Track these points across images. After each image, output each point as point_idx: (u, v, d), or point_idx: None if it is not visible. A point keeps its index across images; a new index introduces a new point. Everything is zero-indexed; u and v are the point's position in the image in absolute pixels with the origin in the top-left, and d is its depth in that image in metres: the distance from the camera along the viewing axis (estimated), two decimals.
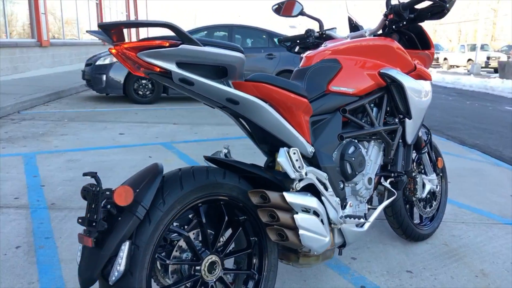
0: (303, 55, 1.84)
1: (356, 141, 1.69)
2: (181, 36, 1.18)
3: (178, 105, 7.13)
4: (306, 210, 1.41)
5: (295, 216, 1.37)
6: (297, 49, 2.20)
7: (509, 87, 10.76)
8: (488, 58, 20.01)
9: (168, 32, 1.19)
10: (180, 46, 1.19)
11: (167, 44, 1.18)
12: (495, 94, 10.86)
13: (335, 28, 2.09)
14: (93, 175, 1.14)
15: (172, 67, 1.23)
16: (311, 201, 1.43)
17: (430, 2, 1.68)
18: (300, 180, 1.43)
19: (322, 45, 1.88)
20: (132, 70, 1.25)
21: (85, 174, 1.17)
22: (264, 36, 7.71)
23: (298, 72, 1.70)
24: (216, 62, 1.27)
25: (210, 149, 4.07)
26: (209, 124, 5.43)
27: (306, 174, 1.43)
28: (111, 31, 1.16)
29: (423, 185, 2.14)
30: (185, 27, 8.32)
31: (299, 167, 1.42)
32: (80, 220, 1.15)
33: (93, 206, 1.13)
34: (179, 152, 3.95)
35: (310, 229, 1.41)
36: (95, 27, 7.53)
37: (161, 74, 1.25)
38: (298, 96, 1.44)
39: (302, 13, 2.11)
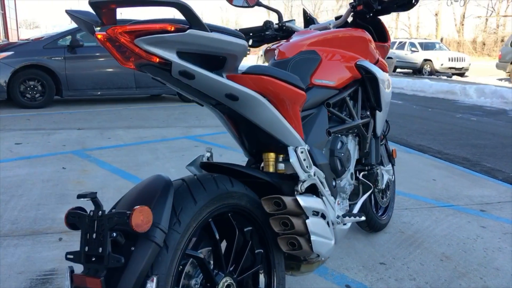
0: (272, 48, 1.72)
1: (340, 136, 1.63)
2: (191, 19, 0.97)
3: (76, 108, 6.45)
4: (316, 213, 1.30)
5: (307, 221, 1.25)
6: (251, 42, 2.07)
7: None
8: None
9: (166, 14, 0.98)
10: (188, 31, 0.98)
11: (173, 29, 0.96)
12: None
13: (294, 20, 2.00)
14: (93, 196, 0.88)
15: (173, 56, 1.01)
16: (319, 203, 1.33)
17: None
18: (304, 181, 1.31)
19: (293, 36, 1.79)
20: (121, 60, 1.00)
21: (80, 196, 0.89)
22: None
23: (277, 65, 1.57)
24: (220, 51, 1.09)
25: (132, 155, 3.71)
26: (120, 127, 4.98)
27: (314, 174, 1.32)
28: (102, 11, 0.90)
29: (382, 176, 2.18)
30: None
31: (307, 166, 1.30)
32: (71, 256, 0.88)
33: (94, 236, 0.86)
34: (97, 160, 3.51)
35: (320, 234, 1.30)
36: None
37: (159, 66, 1.02)
38: (298, 89, 1.31)
39: (258, 3, 1.99)
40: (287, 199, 1.21)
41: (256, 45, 2.08)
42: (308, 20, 2.08)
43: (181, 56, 1.02)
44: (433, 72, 16.09)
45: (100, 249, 0.85)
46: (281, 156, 1.43)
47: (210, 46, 1.05)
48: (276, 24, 1.99)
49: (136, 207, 0.86)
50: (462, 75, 15.98)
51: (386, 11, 1.76)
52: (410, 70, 17.89)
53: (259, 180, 1.31)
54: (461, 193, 2.94)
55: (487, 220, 2.47)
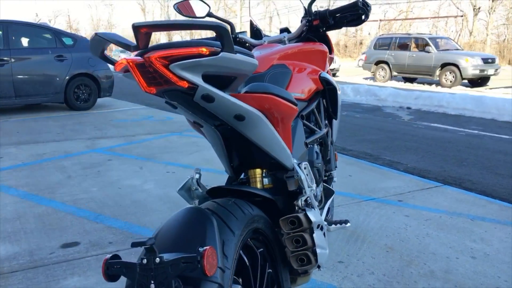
0: None
1: (313, 146, 1.69)
2: (226, 42, 0.92)
3: None
4: (318, 226, 1.34)
5: (313, 235, 1.28)
6: None
7: None
8: None
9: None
10: (221, 54, 0.93)
11: (208, 52, 0.91)
12: None
13: (245, 31, 2.00)
14: (152, 242, 0.78)
15: (199, 80, 0.96)
16: (318, 215, 1.37)
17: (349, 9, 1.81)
18: (306, 196, 1.34)
19: (254, 50, 1.79)
20: (144, 86, 0.91)
21: (136, 244, 0.78)
22: (48, 36, 6.64)
23: (253, 79, 1.56)
24: (236, 71, 1.05)
25: (39, 176, 3.28)
26: (9, 144, 4.36)
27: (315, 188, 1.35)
28: (141, 33, 0.81)
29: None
30: None
31: (310, 181, 1.33)
32: None
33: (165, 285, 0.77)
34: None
35: (322, 245, 1.34)
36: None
37: (184, 91, 0.95)
38: (293, 105, 1.33)
39: (209, 14, 1.94)
40: (302, 217, 1.22)
41: None
42: (255, 32, 2.10)
43: (205, 79, 0.97)
44: None
45: None
46: (264, 171, 1.44)
47: (232, 68, 1.02)
48: None
49: (203, 248, 0.79)
50: (334, 75, 17.58)
51: (337, 26, 1.88)
52: None
53: (256, 198, 1.30)
54: (377, 186, 3.26)
55: (407, 209, 2.79)
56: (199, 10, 1.93)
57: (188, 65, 0.89)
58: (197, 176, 1.39)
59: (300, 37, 1.93)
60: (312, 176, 1.36)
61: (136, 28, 0.80)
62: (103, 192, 2.95)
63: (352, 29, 37.86)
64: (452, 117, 7.20)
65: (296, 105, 1.37)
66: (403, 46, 13.90)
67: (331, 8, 1.86)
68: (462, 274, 1.95)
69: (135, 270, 0.79)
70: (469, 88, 12.29)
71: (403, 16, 37.75)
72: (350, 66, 25.33)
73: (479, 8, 29.73)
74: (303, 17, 1.91)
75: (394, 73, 14.10)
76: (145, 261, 0.79)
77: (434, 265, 2.04)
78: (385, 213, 2.72)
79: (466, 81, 12.89)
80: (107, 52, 1.04)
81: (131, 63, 0.86)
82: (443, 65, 12.60)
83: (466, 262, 2.06)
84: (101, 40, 0.94)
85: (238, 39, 1.96)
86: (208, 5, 1.93)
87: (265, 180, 1.44)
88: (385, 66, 14.26)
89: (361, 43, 34.85)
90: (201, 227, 0.91)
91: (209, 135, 1.32)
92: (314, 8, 1.88)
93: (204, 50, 0.90)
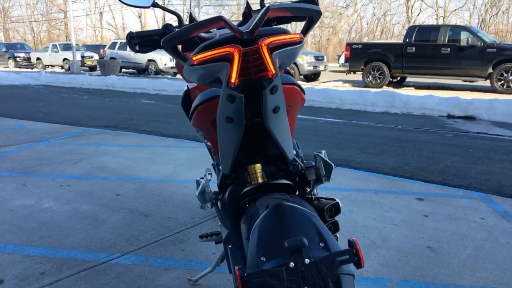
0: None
1: None
2: (308, 30, 0.89)
3: None
4: None
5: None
6: (137, 47, 1.82)
7: (128, 83, 11.92)
8: (83, 57, 20.98)
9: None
10: (303, 41, 0.90)
11: (299, 39, 0.87)
12: (115, 90, 11.77)
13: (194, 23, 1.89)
14: (299, 244, 0.71)
15: (278, 70, 0.91)
16: None
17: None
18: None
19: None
20: (235, 77, 0.82)
21: (290, 243, 0.70)
22: None
23: None
24: (289, 64, 1.03)
25: None
26: None
27: None
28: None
29: None
30: None
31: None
32: None
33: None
34: None
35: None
36: None
37: (262, 82, 0.90)
38: (301, 92, 1.33)
39: (155, 4, 1.77)
40: (340, 204, 1.26)
41: (144, 50, 1.85)
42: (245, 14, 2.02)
43: None
44: (158, 72, 17.02)
45: None
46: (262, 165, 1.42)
47: (293, 59, 0.99)
48: (176, 28, 1.82)
49: (352, 240, 0.76)
50: None
51: (288, 20, 1.92)
52: (135, 70, 18.30)
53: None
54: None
55: (321, 191, 3.03)
56: (144, 0, 1.76)
57: (286, 54, 0.84)
58: (209, 177, 1.29)
59: None
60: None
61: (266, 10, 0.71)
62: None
63: None
64: (304, 108, 7.99)
65: (303, 91, 1.38)
66: None
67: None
68: (396, 240, 2.23)
69: (281, 276, 0.71)
70: (305, 83, 13.78)
71: (234, 18, 39.86)
72: None
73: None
74: (254, 11, 1.90)
75: None
76: (292, 264, 0.72)
77: (372, 236, 2.28)
78: None
79: (302, 76, 14.37)
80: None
81: (238, 52, 0.77)
82: None
83: (393, 229, 2.37)
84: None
85: None
86: None
87: (264, 174, 1.41)
88: None
89: None
90: (308, 222, 0.87)
91: (228, 132, 1.23)
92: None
93: (298, 37, 0.85)
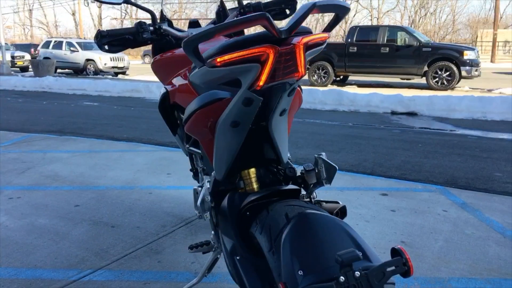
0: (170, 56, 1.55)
1: None
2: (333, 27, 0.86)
3: None
4: None
5: None
6: (107, 46, 1.70)
7: (66, 84, 11.25)
8: (13, 57, 19.54)
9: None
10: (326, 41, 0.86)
11: (326, 39, 0.83)
12: (53, 92, 11.07)
13: (166, 21, 1.79)
14: (354, 255, 0.67)
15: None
16: None
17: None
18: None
19: (205, 43, 1.63)
20: (264, 79, 0.77)
21: (341, 257, 0.65)
22: None
23: None
24: None
25: None
26: None
27: None
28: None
29: None
30: None
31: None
32: None
33: None
34: None
35: None
36: None
37: (285, 84, 0.86)
38: (301, 93, 1.30)
39: (126, 1, 1.66)
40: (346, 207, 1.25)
41: (113, 50, 1.72)
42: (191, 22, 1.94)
43: None
44: (98, 72, 16.26)
45: None
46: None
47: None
48: (150, 26, 1.72)
49: (397, 247, 0.73)
50: (124, 73, 16.95)
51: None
52: (71, 71, 17.37)
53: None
54: None
55: None
56: None
57: (314, 54, 0.79)
58: (208, 185, 1.21)
59: None
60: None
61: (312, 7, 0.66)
62: None
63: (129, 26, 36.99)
64: None
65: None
66: None
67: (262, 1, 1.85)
68: (371, 236, 2.28)
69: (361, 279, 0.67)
70: None
71: (176, 16, 39.17)
72: (138, 64, 24.82)
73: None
74: (230, 9, 1.84)
75: None
76: (342, 278, 0.68)
77: None
78: None
79: None
80: None
81: (274, 52, 0.71)
82: None
83: (366, 226, 2.41)
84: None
85: (161, 31, 1.74)
86: None
87: (259, 179, 1.36)
88: None
89: None
90: (342, 230, 0.83)
91: (230, 136, 1.16)
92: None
93: (326, 37, 0.81)
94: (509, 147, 4.54)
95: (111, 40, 1.68)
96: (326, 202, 1.26)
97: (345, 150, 4.35)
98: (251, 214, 1.15)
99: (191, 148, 1.65)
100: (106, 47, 1.69)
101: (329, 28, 0.86)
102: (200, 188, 1.25)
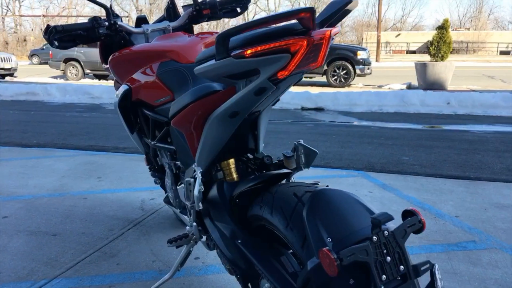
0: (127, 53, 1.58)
1: None
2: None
3: None
4: None
5: None
6: (56, 43, 1.63)
7: None
8: None
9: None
10: None
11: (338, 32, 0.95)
12: None
13: (120, 17, 1.75)
14: (388, 216, 0.79)
15: None
16: None
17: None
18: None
19: (158, 38, 1.63)
20: (292, 67, 0.86)
21: (375, 219, 0.77)
22: None
23: (191, 69, 1.48)
24: None
25: None
26: None
27: None
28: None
29: None
30: None
31: None
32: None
33: (388, 260, 0.81)
34: None
35: None
36: None
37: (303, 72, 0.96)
38: None
39: None
40: None
41: (64, 46, 1.65)
42: (138, 18, 1.90)
43: None
44: None
45: (402, 266, 0.81)
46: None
47: None
48: (105, 21, 1.67)
49: (410, 209, 0.86)
50: (12, 75, 15.33)
51: (217, 17, 1.93)
52: None
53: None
54: None
55: None
56: None
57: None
58: (200, 176, 1.25)
59: (183, 26, 1.87)
60: None
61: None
62: None
63: (12, 24, 33.50)
64: None
65: None
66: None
67: None
68: None
69: (369, 250, 0.78)
70: None
71: (65, 12, 36.46)
72: (24, 65, 22.52)
73: (141, 10, 32.55)
74: (184, 6, 1.86)
75: (87, 71, 13.74)
76: (375, 238, 0.80)
77: None
78: None
79: None
80: None
81: (307, 43, 0.80)
82: None
83: None
84: None
85: (117, 26, 1.70)
86: None
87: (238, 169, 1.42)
88: (76, 63, 13.68)
89: (25, 40, 31.35)
90: (353, 201, 0.95)
91: (224, 127, 1.21)
92: None
93: (339, 30, 0.92)
94: (407, 135, 5.16)
95: (61, 36, 1.61)
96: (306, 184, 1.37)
97: (271, 144, 4.55)
98: (247, 200, 1.23)
99: (158, 144, 1.66)
100: (56, 43, 1.62)
101: (336, 22, 0.97)
102: (192, 180, 1.28)
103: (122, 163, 3.74)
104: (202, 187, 1.27)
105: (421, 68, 10.67)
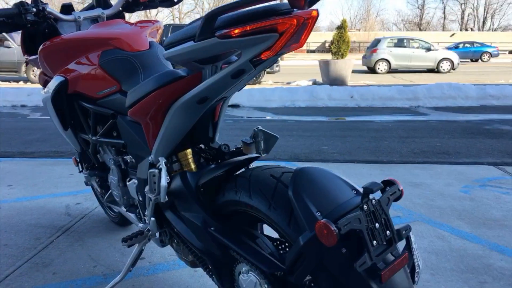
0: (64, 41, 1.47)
1: None
2: None
3: None
4: None
5: None
6: None
7: None
8: None
9: None
10: None
11: None
12: None
13: (47, 4, 1.58)
14: (379, 185, 0.84)
15: None
16: None
17: None
18: None
19: (96, 26, 1.51)
20: (279, 47, 0.87)
21: (367, 188, 0.81)
22: None
23: (145, 56, 1.41)
24: None
25: None
26: None
27: None
28: None
29: None
30: None
31: None
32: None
33: (376, 226, 0.86)
34: None
35: None
36: None
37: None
38: None
39: None
40: None
41: None
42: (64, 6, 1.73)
43: None
44: None
45: (388, 232, 0.87)
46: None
47: None
48: (33, 7, 1.50)
49: (388, 179, 0.92)
50: None
51: (154, 6, 1.85)
52: None
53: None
54: None
55: None
56: None
57: None
58: (165, 166, 1.20)
59: (118, 14, 1.76)
60: None
61: None
62: None
63: None
64: None
65: None
66: None
67: None
68: None
69: (361, 218, 0.83)
70: None
71: None
72: None
73: None
74: None
75: None
76: (365, 207, 0.84)
77: None
78: None
79: None
80: None
81: (297, 21, 0.81)
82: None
83: None
84: None
85: (46, 13, 1.55)
86: None
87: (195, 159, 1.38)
88: None
89: None
90: (334, 177, 0.99)
91: (189, 113, 1.17)
92: None
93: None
94: (321, 126, 5.46)
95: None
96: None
97: None
98: (213, 189, 1.21)
99: (101, 139, 1.54)
100: None
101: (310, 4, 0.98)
102: (156, 171, 1.21)
103: (32, 168, 3.41)
104: (169, 177, 1.22)
105: (324, 65, 11.35)
